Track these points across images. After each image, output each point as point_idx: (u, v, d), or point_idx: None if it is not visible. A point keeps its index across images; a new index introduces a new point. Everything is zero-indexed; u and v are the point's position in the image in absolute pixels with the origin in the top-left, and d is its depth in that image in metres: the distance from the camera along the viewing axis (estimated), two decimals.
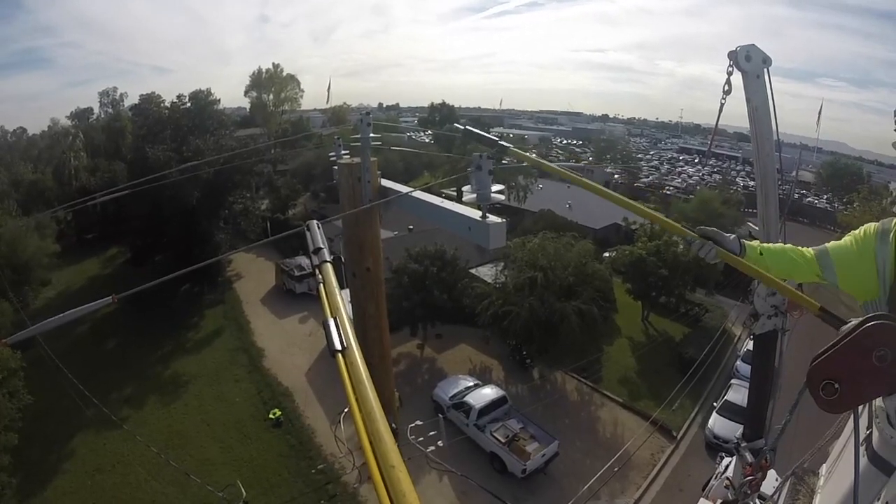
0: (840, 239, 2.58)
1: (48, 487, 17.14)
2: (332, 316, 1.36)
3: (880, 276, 2.31)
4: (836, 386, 1.54)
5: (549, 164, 3.40)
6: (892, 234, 2.30)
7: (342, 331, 1.29)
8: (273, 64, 62.62)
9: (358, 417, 1.07)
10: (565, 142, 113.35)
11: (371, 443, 1.00)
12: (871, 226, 2.42)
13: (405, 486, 0.89)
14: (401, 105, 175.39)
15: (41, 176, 44.32)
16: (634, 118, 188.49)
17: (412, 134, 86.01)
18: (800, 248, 2.64)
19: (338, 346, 1.25)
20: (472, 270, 26.16)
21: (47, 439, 18.77)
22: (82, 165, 44.40)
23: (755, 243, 2.65)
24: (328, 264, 1.71)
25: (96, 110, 58.48)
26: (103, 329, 26.87)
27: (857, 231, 2.50)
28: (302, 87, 64.14)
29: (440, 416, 12.07)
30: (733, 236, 2.56)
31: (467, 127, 3.53)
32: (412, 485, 0.91)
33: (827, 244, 2.59)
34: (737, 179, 71.44)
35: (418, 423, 7.67)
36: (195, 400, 21.70)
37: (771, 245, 2.73)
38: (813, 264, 2.55)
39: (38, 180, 43.18)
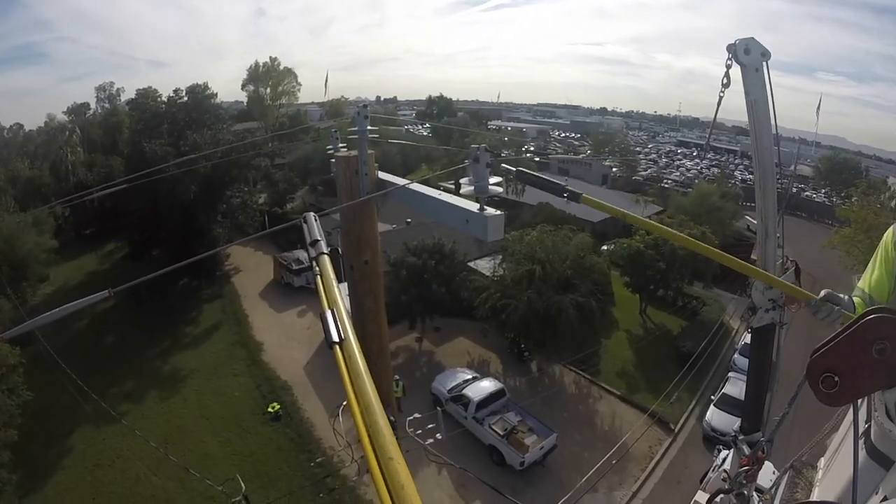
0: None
1: (48, 483, 17.14)
2: (329, 308, 1.36)
3: (894, 275, 2.34)
4: (836, 379, 1.53)
5: (627, 212, 3.29)
6: None
7: (339, 322, 1.28)
8: (270, 57, 62.19)
9: (356, 410, 1.06)
10: (563, 135, 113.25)
11: (369, 435, 0.99)
12: (887, 237, 2.48)
13: (403, 477, 0.89)
14: (398, 98, 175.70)
15: (38, 172, 44.06)
16: (632, 111, 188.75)
17: (410, 127, 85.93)
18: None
19: (335, 338, 1.24)
20: (471, 263, 26.15)
21: (47, 435, 18.77)
22: (79, 161, 44.22)
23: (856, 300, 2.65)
24: (325, 257, 1.70)
25: (93, 105, 58.28)
26: (102, 324, 26.85)
27: (876, 254, 2.56)
28: (299, 80, 63.85)
29: (438, 409, 12.11)
30: (847, 297, 2.53)
31: (519, 169, 3.25)
32: (410, 476, 0.90)
33: (864, 288, 2.60)
34: (735, 173, 71.42)
35: (417, 416, 7.68)
36: (194, 394, 21.70)
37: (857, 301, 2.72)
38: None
39: (36, 176, 42.95)
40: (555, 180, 2.96)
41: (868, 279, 2.57)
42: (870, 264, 2.59)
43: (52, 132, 53.95)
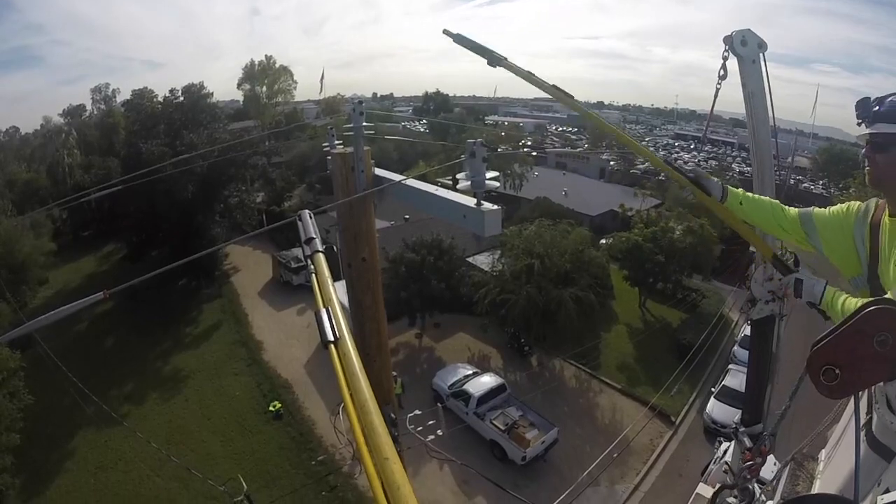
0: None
1: (51, 487, 17.15)
2: (324, 306, 1.34)
3: (860, 254, 2.33)
4: (837, 371, 1.52)
5: (542, 81, 3.28)
6: (870, 214, 2.33)
7: (334, 321, 1.26)
8: (266, 56, 62.12)
9: (351, 409, 1.05)
10: (561, 129, 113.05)
11: (365, 435, 0.98)
12: (856, 203, 2.44)
13: (399, 477, 0.88)
14: (395, 95, 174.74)
15: (35, 175, 44.02)
16: (629, 105, 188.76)
17: (406, 123, 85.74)
18: (785, 206, 2.65)
19: (330, 337, 1.23)
20: (469, 259, 26.16)
21: (49, 438, 18.78)
22: (76, 163, 44.11)
23: (739, 191, 2.68)
24: (320, 254, 1.68)
25: (88, 107, 58.12)
26: (101, 326, 26.84)
27: (843, 205, 2.50)
28: (295, 78, 63.68)
29: (439, 404, 12.15)
30: (717, 180, 2.60)
31: (459, 34, 3.31)
32: (406, 477, 0.89)
33: (812, 208, 2.59)
34: (733, 165, 71.25)
35: (417, 412, 7.69)
36: (195, 394, 21.71)
37: (755, 195, 2.74)
38: (796, 224, 2.56)
39: (33, 179, 42.88)
40: (483, 45, 3.12)
41: (820, 212, 2.53)
42: (833, 209, 2.53)
43: (48, 135, 53.81)
